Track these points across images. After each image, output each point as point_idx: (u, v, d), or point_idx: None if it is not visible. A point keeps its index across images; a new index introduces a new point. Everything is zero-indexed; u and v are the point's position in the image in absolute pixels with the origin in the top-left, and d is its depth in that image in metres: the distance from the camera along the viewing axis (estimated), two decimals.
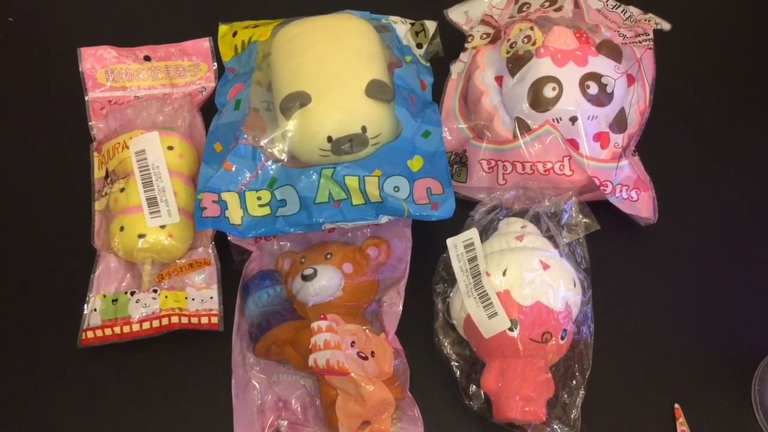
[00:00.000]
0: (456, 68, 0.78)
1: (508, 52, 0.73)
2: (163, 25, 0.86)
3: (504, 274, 0.62)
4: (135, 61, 0.79)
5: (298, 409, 0.65)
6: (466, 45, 0.79)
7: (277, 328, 0.64)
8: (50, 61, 0.83)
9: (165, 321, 0.66)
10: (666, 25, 0.77)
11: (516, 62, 0.71)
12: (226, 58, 0.79)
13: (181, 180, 0.71)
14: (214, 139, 0.70)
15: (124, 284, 0.69)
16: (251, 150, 0.66)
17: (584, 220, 0.67)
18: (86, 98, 0.78)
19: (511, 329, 0.61)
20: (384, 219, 0.65)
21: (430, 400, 0.65)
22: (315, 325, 0.63)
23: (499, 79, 0.74)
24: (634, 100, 0.72)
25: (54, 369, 0.67)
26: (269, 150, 0.67)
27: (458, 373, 0.65)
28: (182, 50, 0.81)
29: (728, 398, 0.67)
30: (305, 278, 0.64)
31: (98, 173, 0.74)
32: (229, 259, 0.70)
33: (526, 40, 0.72)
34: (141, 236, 0.67)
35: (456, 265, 0.64)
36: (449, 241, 0.65)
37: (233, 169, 0.66)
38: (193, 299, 0.68)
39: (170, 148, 0.71)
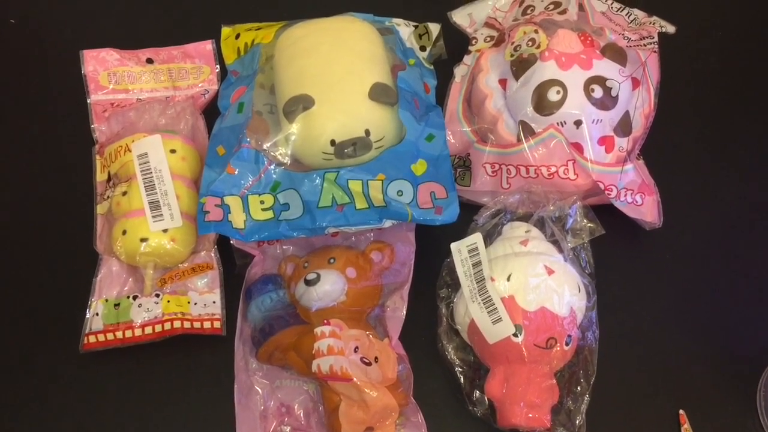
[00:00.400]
0: (460, 71, 0.78)
1: (512, 55, 0.72)
2: (166, 27, 0.86)
3: (508, 279, 0.62)
4: (137, 63, 0.79)
5: (301, 414, 0.65)
6: (470, 48, 0.79)
7: (280, 333, 0.64)
8: (52, 64, 0.83)
9: (167, 326, 0.66)
10: (671, 28, 0.77)
11: (520, 65, 0.71)
12: (229, 60, 0.79)
13: (183, 183, 0.70)
14: (217, 142, 0.70)
15: (126, 288, 0.69)
16: (254, 153, 0.66)
17: (589, 224, 0.66)
18: (88, 101, 0.77)
19: (515, 335, 0.61)
20: (387, 223, 0.65)
21: (433, 406, 0.65)
22: (318, 330, 0.62)
23: (503, 83, 0.73)
24: (639, 104, 0.72)
25: (56, 373, 0.67)
26: (272, 153, 0.66)
27: (462, 378, 0.65)
28: (185, 53, 0.80)
29: (733, 404, 0.66)
30: (308, 283, 0.64)
31: (100, 176, 0.74)
32: (232, 263, 0.70)
33: (530, 43, 0.71)
34: (143, 240, 0.67)
35: (460, 270, 0.64)
36: (453, 246, 0.65)
37: (236, 172, 0.66)
38: (195, 303, 0.68)
39: (173, 151, 0.71)
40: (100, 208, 0.72)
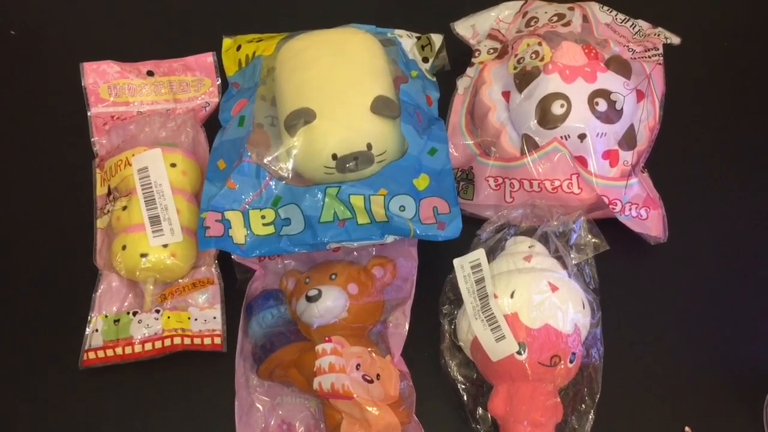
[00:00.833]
0: (462, 83, 0.77)
1: (515, 68, 0.72)
2: (167, 39, 0.85)
3: (512, 296, 0.61)
4: (138, 76, 0.78)
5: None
6: (473, 60, 0.78)
7: (281, 350, 0.63)
8: (53, 76, 0.83)
9: (167, 342, 0.65)
10: (676, 40, 0.76)
11: (523, 78, 0.70)
12: (230, 72, 0.78)
13: (184, 198, 0.70)
14: (218, 156, 0.69)
15: (126, 304, 0.68)
16: (255, 168, 0.66)
17: (593, 240, 0.66)
18: (89, 113, 0.77)
19: (519, 353, 0.60)
20: (390, 239, 0.64)
21: (436, 423, 0.64)
22: (320, 347, 0.62)
23: (506, 95, 0.73)
24: (644, 117, 0.71)
25: (55, 390, 0.66)
26: (273, 167, 0.66)
27: (465, 396, 0.64)
28: (185, 65, 0.80)
29: (740, 420, 0.66)
30: (310, 299, 0.63)
31: (100, 190, 0.73)
32: (233, 278, 0.69)
33: (533, 55, 0.71)
34: (143, 255, 0.67)
35: (463, 287, 0.63)
36: (456, 262, 0.64)
37: (237, 187, 0.65)
38: (195, 319, 0.67)
39: (173, 165, 0.70)
40: (100, 223, 0.71)
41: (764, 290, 0.71)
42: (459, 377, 0.65)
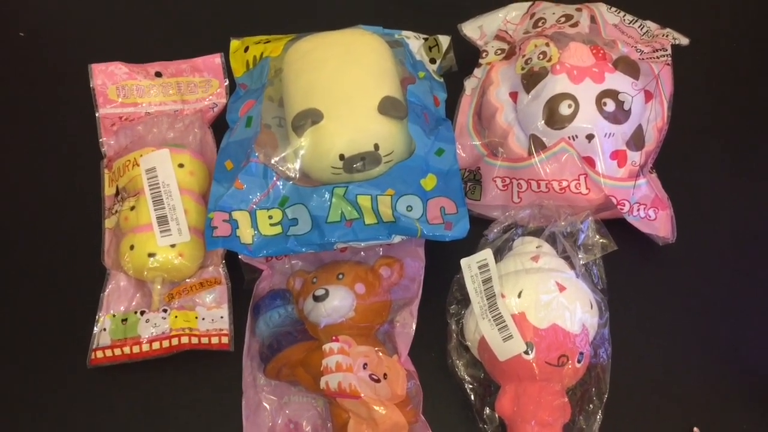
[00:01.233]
0: (470, 84, 0.77)
1: (523, 69, 0.72)
2: (175, 41, 0.85)
3: (519, 296, 0.61)
4: (146, 77, 0.79)
5: (310, 431, 0.64)
6: (481, 60, 0.78)
7: (288, 349, 0.63)
8: (61, 77, 0.83)
9: (175, 341, 0.65)
10: (684, 40, 0.76)
11: (531, 79, 0.70)
12: (238, 73, 0.79)
13: (191, 198, 0.70)
14: (225, 156, 0.70)
15: (133, 303, 0.68)
16: (262, 168, 0.66)
17: (601, 240, 0.65)
18: (97, 114, 0.77)
19: (526, 352, 0.60)
20: (397, 239, 0.64)
21: (443, 423, 0.64)
22: (327, 346, 0.62)
23: (513, 96, 0.73)
24: (652, 117, 0.71)
25: (63, 389, 0.66)
26: (281, 168, 0.66)
27: (472, 395, 0.64)
28: (193, 66, 0.80)
29: (748, 421, 0.65)
30: (317, 299, 0.63)
31: (108, 190, 0.73)
32: (240, 278, 0.69)
33: (541, 56, 0.71)
34: (151, 255, 0.67)
35: (470, 287, 0.63)
36: (463, 262, 0.64)
37: (244, 187, 0.66)
38: (203, 319, 0.67)
39: (181, 165, 0.71)
40: (108, 223, 0.72)
41: None
42: (466, 377, 0.65)
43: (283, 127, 0.69)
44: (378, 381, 0.61)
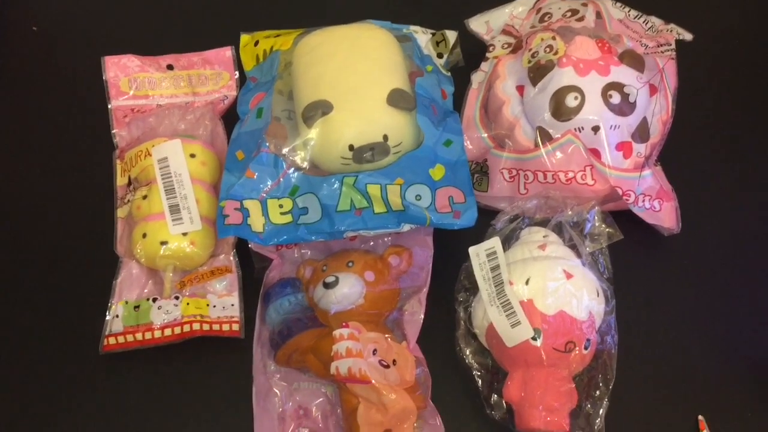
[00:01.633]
0: (477, 77, 0.78)
1: (529, 62, 0.73)
2: (186, 34, 0.86)
3: (527, 283, 0.62)
4: (158, 69, 0.80)
5: (319, 417, 0.65)
6: (488, 54, 0.79)
7: (298, 336, 0.64)
8: (74, 70, 0.84)
9: (186, 328, 0.66)
10: (688, 36, 0.77)
11: (538, 72, 0.71)
12: (248, 67, 0.80)
13: (203, 188, 0.71)
14: (236, 147, 0.70)
15: (146, 291, 0.69)
16: (273, 158, 0.67)
17: (607, 229, 0.66)
18: (109, 106, 0.78)
19: (534, 338, 0.61)
20: (406, 227, 0.65)
21: (451, 409, 0.64)
22: (337, 332, 0.62)
23: (520, 89, 0.74)
24: (657, 110, 0.72)
25: (76, 375, 0.67)
26: (291, 158, 0.67)
27: (480, 382, 0.65)
28: (204, 59, 0.81)
29: (753, 410, 0.66)
30: (327, 286, 0.64)
31: (121, 180, 0.74)
32: (250, 267, 0.70)
33: (548, 49, 0.72)
34: (163, 243, 0.68)
35: (478, 274, 0.64)
36: (471, 250, 0.65)
37: (255, 176, 0.67)
38: (214, 306, 0.68)
39: (192, 155, 0.71)
40: (121, 212, 0.73)
41: None
42: (474, 364, 0.65)
43: (292, 120, 0.70)
44: (387, 367, 0.62)
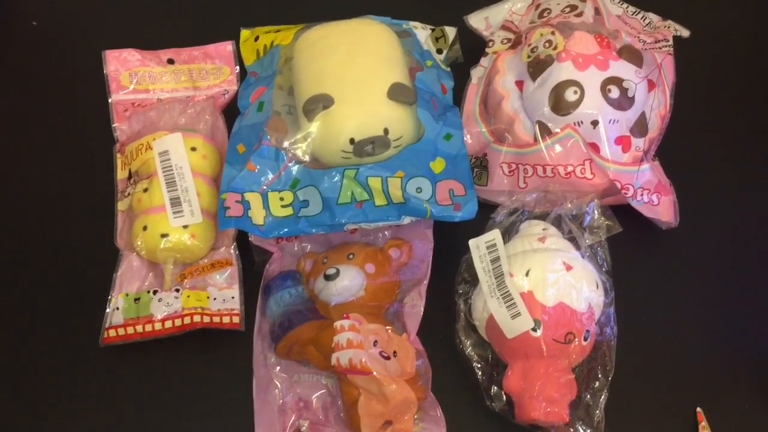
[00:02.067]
0: (476, 73, 0.79)
1: (529, 57, 0.73)
2: (187, 28, 0.86)
3: (527, 274, 0.62)
4: (158, 64, 0.80)
5: (319, 409, 0.65)
6: (487, 50, 0.79)
7: (299, 328, 0.64)
8: (74, 64, 0.84)
9: (187, 320, 0.66)
10: (685, 32, 0.77)
11: (537, 66, 0.72)
12: (249, 62, 0.80)
13: (204, 181, 0.71)
14: (237, 140, 0.71)
15: (146, 283, 0.69)
16: (274, 151, 0.67)
17: (606, 222, 0.67)
18: (110, 100, 0.78)
19: (534, 329, 0.61)
20: (406, 220, 0.66)
21: (451, 401, 0.65)
22: (338, 324, 0.62)
23: (519, 84, 0.74)
24: (655, 105, 0.73)
25: (76, 367, 0.67)
26: (292, 152, 0.67)
27: (480, 374, 0.65)
28: (205, 53, 0.81)
29: (751, 402, 0.66)
30: (328, 278, 0.64)
31: (121, 174, 0.74)
32: (251, 260, 0.70)
33: (547, 44, 0.72)
34: (164, 236, 0.68)
35: (479, 266, 0.64)
36: (472, 242, 0.65)
37: (256, 169, 0.67)
38: (214, 299, 0.68)
39: (193, 149, 0.72)
40: (121, 205, 0.73)
41: None
42: (474, 356, 0.65)
43: (292, 115, 0.71)
44: (388, 358, 0.62)
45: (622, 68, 0.70)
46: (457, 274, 0.68)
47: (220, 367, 0.67)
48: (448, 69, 0.78)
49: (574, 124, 0.69)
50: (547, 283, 0.62)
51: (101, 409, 0.66)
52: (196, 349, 0.68)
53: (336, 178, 0.66)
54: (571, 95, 0.69)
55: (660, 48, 0.75)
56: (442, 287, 0.68)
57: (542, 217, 0.69)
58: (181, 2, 0.90)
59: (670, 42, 0.76)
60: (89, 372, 0.67)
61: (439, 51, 0.79)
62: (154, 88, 0.79)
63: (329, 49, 0.70)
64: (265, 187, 0.67)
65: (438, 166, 0.67)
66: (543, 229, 0.67)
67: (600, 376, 0.64)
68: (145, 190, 0.70)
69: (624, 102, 0.70)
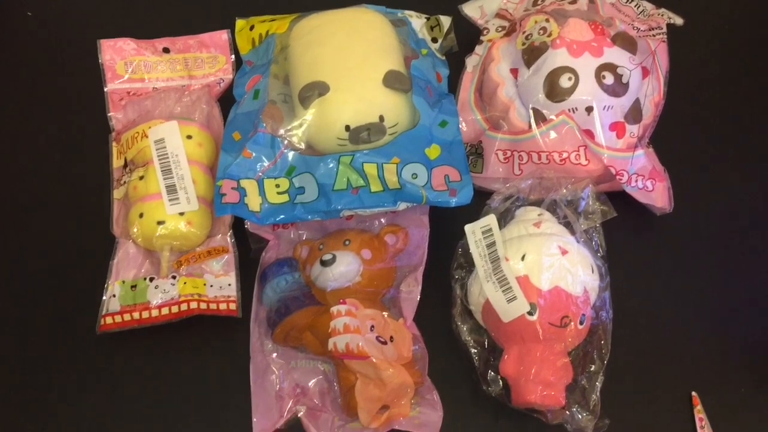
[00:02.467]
0: (471, 61, 0.79)
1: (523, 44, 0.73)
2: (182, 17, 0.86)
3: (523, 259, 0.63)
4: (154, 53, 0.80)
5: (317, 394, 0.65)
6: (482, 38, 0.79)
7: (295, 314, 0.64)
8: (69, 53, 0.84)
9: (184, 306, 0.66)
10: (678, 20, 0.78)
11: (532, 53, 0.72)
12: (244, 51, 0.80)
13: (199, 169, 0.71)
14: (233, 128, 0.71)
15: (143, 271, 0.69)
16: (270, 138, 0.67)
17: (601, 207, 0.67)
18: (105, 89, 0.78)
19: (530, 313, 0.61)
20: (402, 206, 0.66)
21: (448, 385, 0.65)
22: (335, 309, 0.63)
23: (514, 72, 0.74)
24: (649, 92, 0.73)
25: (73, 354, 0.67)
26: (287, 138, 0.67)
27: (476, 359, 0.65)
28: (201, 42, 0.81)
29: (746, 386, 0.67)
30: (324, 263, 0.65)
31: (117, 163, 0.74)
32: (247, 247, 0.70)
33: (541, 31, 0.72)
34: (160, 223, 0.68)
35: (474, 251, 0.64)
36: (467, 228, 0.65)
37: (252, 156, 0.67)
38: (211, 286, 0.68)
39: (189, 137, 0.72)
40: (117, 194, 0.73)
41: (766, 259, 0.73)
42: (470, 341, 0.66)
43: (288, 103, 0.71)
44: (385, 343, 0.62)
45: (616, 55, 0.71)
46: (453, 259, 0.68)
47: (217, 353, 0.67)
48: (443, 58, 0.79)
49: (569, 110, 0.70)
50: (542, 267, 0.62)
51: (98, 396, 0.66)
52: (193, 336, 0.68)
53: (332, 165, 0.66)
54: (565, 82, 0.70)
55: (654, 35, 0.76)
56: (438, 273, 0.68)
57: (537, 203, 0.69)
58: None
59: (664, 29, 0.76)
60: (86, 359, 0.67)
61: (434, 40, 0.80)
62: (150, 77, 0.79)
63: (325, 38, 0.70)
64: (261, 174, 0.67)
65: (433, 152, 0.67)
66: (538, 215, 0.67)
67: (596, 359, 0.64)
68: (141, 178, 0.70)
69: (618, 88, 0.70)
